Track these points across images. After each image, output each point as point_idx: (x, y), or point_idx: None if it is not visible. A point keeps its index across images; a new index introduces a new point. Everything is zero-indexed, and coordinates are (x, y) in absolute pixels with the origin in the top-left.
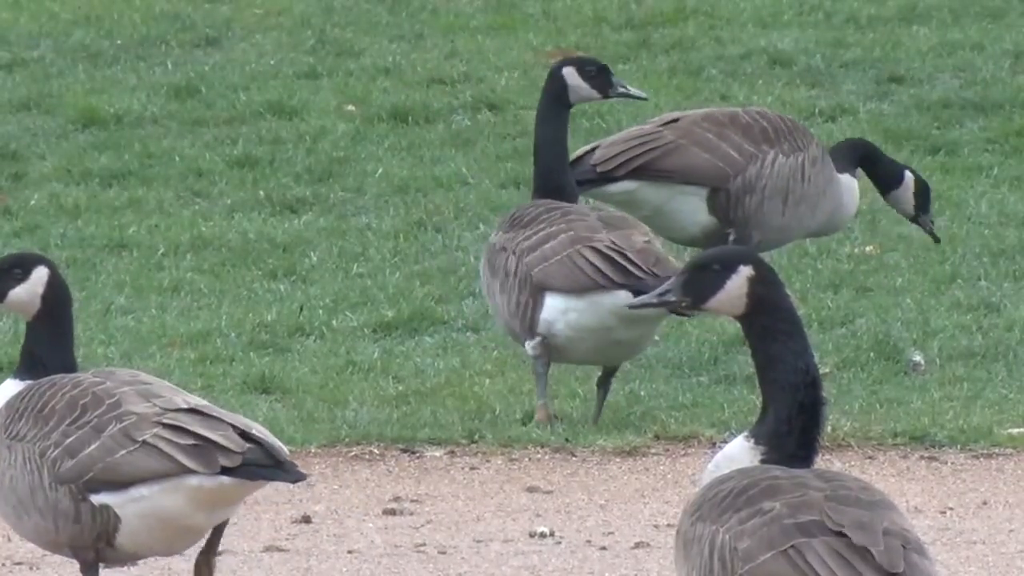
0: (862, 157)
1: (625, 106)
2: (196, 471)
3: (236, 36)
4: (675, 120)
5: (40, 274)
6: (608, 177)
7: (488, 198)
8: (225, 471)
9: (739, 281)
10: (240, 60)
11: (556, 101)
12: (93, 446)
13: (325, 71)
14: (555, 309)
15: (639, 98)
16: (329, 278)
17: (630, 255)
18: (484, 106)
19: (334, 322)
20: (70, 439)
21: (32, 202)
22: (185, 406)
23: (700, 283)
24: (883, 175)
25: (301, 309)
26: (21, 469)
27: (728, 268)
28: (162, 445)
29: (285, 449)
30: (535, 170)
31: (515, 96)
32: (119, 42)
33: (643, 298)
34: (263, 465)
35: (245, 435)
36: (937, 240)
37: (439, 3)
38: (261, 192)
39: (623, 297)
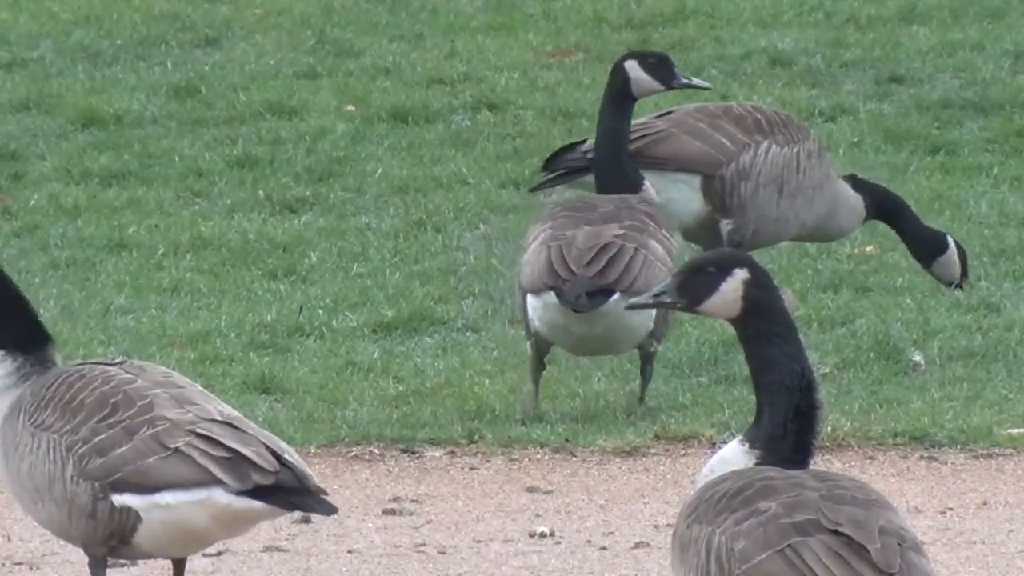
0: (878, 206)
1: None
2: (228, 484)
3: (236, 36)
4: (668, 112)
5: None
6: None
7: (488, 198)
8: (258, 494)
9: (734, 284)
10: (240, 60)
11: (620, 94)
12: (124, 447)
13: (325, 71)
14: (531, 307)
15: (702, 87)
16: (329, 278)
17: (566, 256)
18: (484, 106)
19: (334, 322)
20: (100, 437)
21: (32, 202)
22: (219, 416)
23: (695, 285)
24: (921, 241)
25: (301, 309)
26: (43, 458)
27: (723, 271)
28: (195, 455)
29: (314, 476)
30: (594, 162)
31: (515, 96)
32: (119, 42)
33: (638, 299)
34: (294, 491)
35: (277, 456)
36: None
37: (439, 3)
38: (261, 192)
39: (552, 297)
